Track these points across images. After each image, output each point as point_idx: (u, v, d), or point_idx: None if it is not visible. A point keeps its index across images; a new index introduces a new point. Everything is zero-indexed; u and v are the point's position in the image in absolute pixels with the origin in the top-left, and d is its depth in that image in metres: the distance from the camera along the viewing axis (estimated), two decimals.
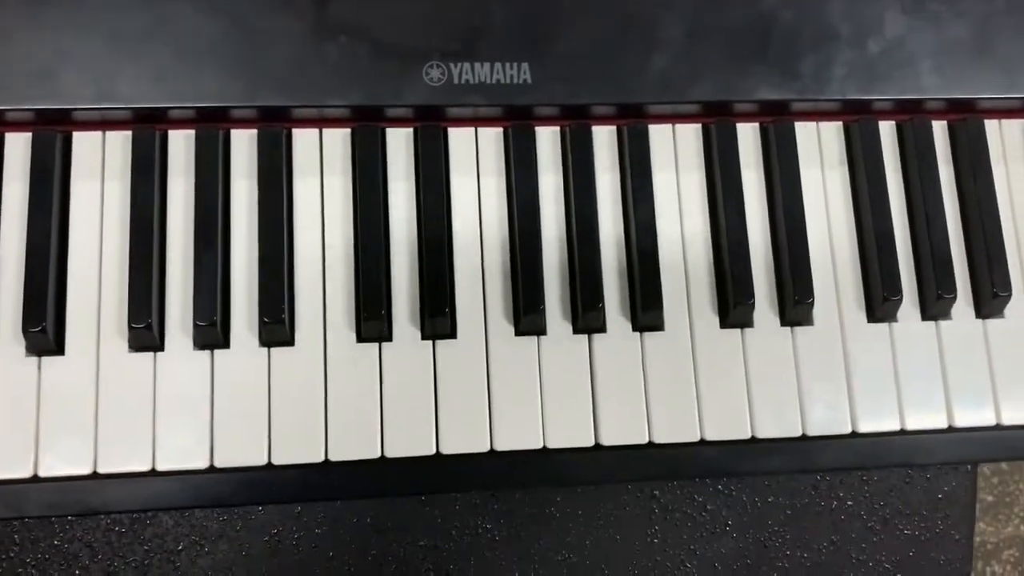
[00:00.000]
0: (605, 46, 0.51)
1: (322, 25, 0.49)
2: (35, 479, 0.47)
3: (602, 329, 0.50)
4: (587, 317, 0.50)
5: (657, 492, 0.63)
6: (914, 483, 0.66)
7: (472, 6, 0.50)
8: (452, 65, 0.49)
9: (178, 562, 0.60)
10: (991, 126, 0.55)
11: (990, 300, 0.52)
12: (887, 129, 0.54)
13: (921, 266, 0.53)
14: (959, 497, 0.65)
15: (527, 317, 0.49)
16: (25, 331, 0.46)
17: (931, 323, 0.53)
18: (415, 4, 0.49)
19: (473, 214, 0.51)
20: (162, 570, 0.60)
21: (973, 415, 0.52)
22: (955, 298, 0.52)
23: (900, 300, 0.51)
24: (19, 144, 0.49)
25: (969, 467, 0.66)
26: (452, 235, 0.51)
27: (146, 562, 0.60)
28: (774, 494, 0.64)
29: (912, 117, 0.54)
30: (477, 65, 0.49)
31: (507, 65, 0.50)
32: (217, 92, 0.49)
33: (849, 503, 0.65)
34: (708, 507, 0.64)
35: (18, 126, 0.49)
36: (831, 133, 0.54)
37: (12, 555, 0.60)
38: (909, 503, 0.65)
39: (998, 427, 0.52)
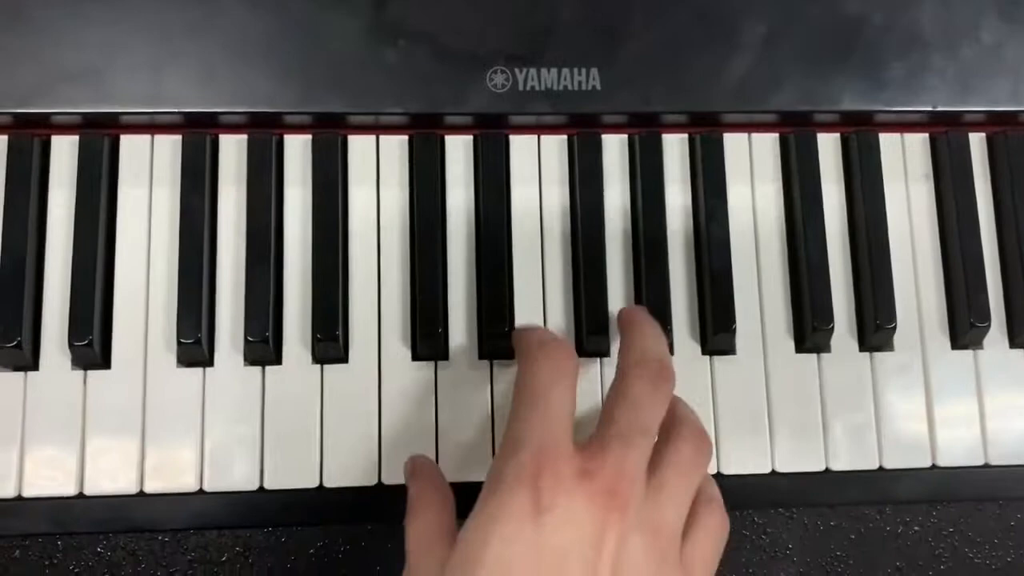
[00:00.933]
0: (679, 51, 0.48)
1: (381, 28, 0.46)
2: (80, 496, 0.46)
3: (669, 351, 0.48)
4: None
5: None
6: (985, 510, 0.62)
7: (539, 9, 0.47)
8: (517, 71, 0.47)
9: (222, 573, 0.58)
10: None
11: None
12: (977, 141, 0.51)
13: (1011, 290, 0.49)
14: None
15: (591, 337, 0.47)
16: (71, 345, 0.45)
17: (1020, 351, 0.49)
18: (479, 7, 0.47)
19: (534, 226, 0.49)
20: None
21: None
22: None
23: (988, 327, 0.48)
24: (65, 147, 0.48)
25: None
26: (512, 248, 0.48)
27: (189, 572, 0.58)
28: (837, 518, 0.61)
29: (1005, 129, 0.50)
30: (544, 71, 0.47)
31: (575, 71, 0.47)
32: (271, 97, 0.47)
33: (916, 528, 0.62)
34: (768, 529, 0.61)
35: (65, 129, 0.47)
36: (917, 145, 0.51)
37: (56, 561, 0.58)
38: (980, 530, 0.62)
39: None
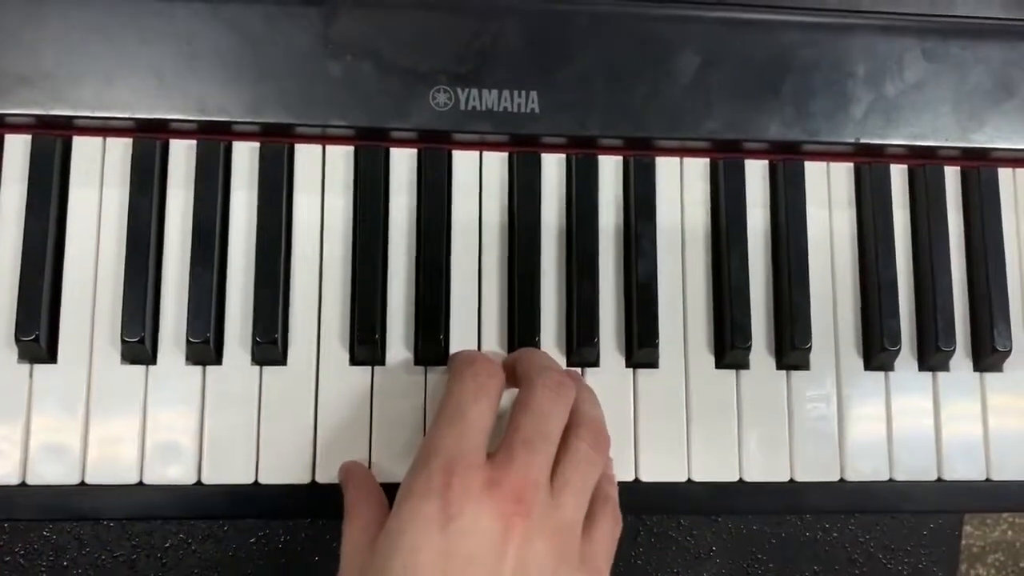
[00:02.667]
0: (616, 78, 0.50)
1: (330, 44, 0.48)
2: (24, 485, 0.47)
3: (595, 363, 0.50)
4: (582, 351, 0.49)
5: (644, 515, 0.63)
6: (900, 518, 0.66)
7: (482, 32, 0.49)
8: (459, 90, 0.49)
9: (165, 559, 0.60)
10: (1004, 175, 0.54)
11: (989, 354, 0.51)
12: (898, 172, 0.54)
13: (922, 316, 0.52)
14: (944, 535, 0.66)
15: (525, 346, 0.49)
16: (18, 340, 0.46)
17: (928, 373, 0.52)
18: (424, 27, 0.49)
19: (473, 238, 0.51)
20: (149, 566, 0.60)
21: (964, 469, 0.51)
22: (954, 351, 0.51)
23: (899, 351, 0.51)
24: (18, 146, 0.49)
25: None
26: (451, 259, 0.50)
27: (133, 557, 0.60)
28: (759, 522, 0.64)
29: (925, 162, 0.53)
30: (485, 91, 0.49)
31: (515, 93, 0.49)
32: (220, 106, 0.48)
33: (834, 534, 0.65)
34: (693, 532, 0.64)
35: (18, 128, 0.49)
36: (841, 174, 0.53)
37: (1, 543, 0.60)
38: (894, 538, 0.66)
39: (988, 480, 0.52)
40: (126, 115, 0.48)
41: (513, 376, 0.46)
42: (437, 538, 0.37)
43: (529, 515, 0.38)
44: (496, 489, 0.38)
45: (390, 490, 0.48)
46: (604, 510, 0.43)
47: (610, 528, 0.43)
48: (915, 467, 0.51)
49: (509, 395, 0.46)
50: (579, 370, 0.50)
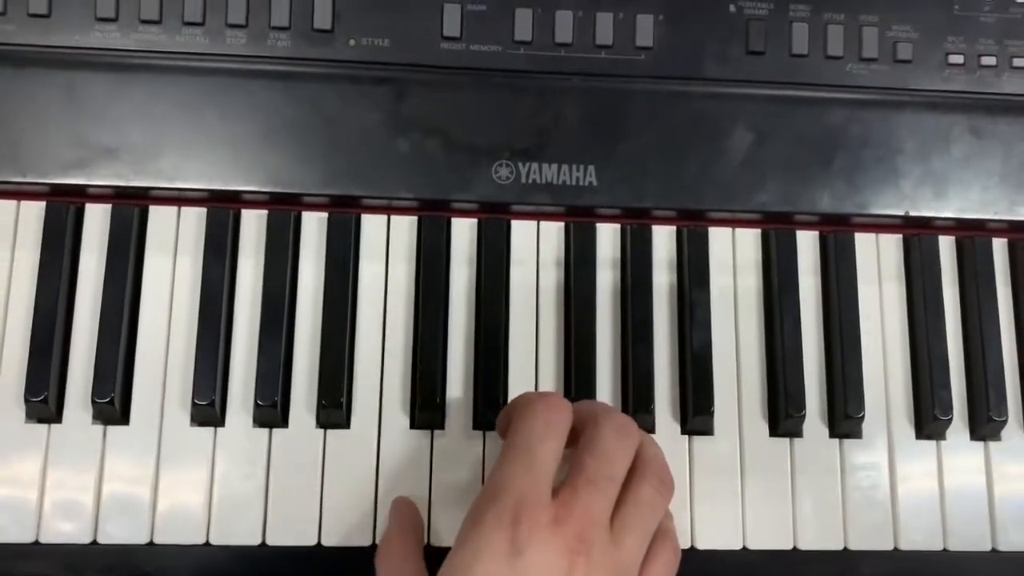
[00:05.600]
0: (671, 152, 0.52)
1: (398, 120, 0.50)
2: (94, 543, 0.48)
3: (651, 430, 0.51)
4: (638, 418, 0.50)
5: None
6: None
7: (543, 109, 0.51)
8: (521, 164, 0.50)
9: None
10: None
11: None
12: (947, 244, 0.55)
13: (973, 386, 0.53)
14: None
15: None
16: (94, 402, 0.48)
17: (979, 443, 0.53)
18: (488, 105, 0.51)
19: (530, 305, 0.52)
20: None
21: (1018, 538, 0.52)
22: (1007, 421, 0.52)
23: (951, 420, 0.51)
24: (97, 215, 0.51)
25: None
26: (509, 326, 0.52)
27: None
28: None
29: (974, 234, 0.54)
30: (545, 165, 0.50)
31: (574, 167, 0.51)
32: (292, 179, 0.50)
33: None
34: None
35: (98, 198, 0.51)
36: (890, 245, 0.54)
37: None
38: None
39: None
40: (201, 186, 0.50)
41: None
42: (505, 570, 0.39)
43: (590, 553, 0.40)
44: (561, 527, 0.40)
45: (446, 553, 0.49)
46: (664, 545, 0.45)
47: (670, 562, 0.45)
48: (969, 537, 0.51)
49: None
50: None
